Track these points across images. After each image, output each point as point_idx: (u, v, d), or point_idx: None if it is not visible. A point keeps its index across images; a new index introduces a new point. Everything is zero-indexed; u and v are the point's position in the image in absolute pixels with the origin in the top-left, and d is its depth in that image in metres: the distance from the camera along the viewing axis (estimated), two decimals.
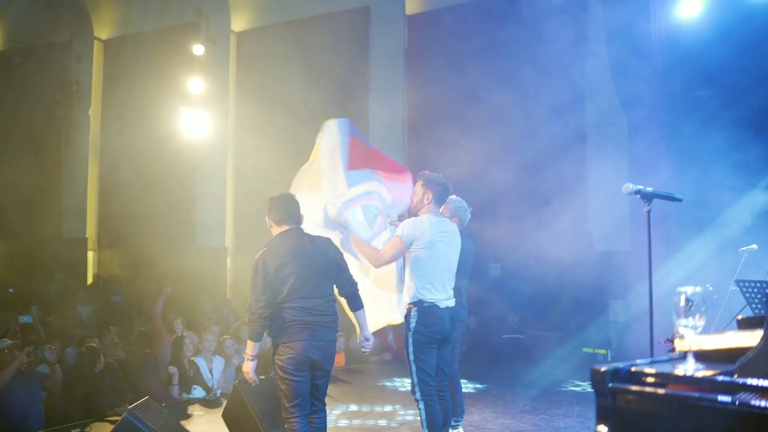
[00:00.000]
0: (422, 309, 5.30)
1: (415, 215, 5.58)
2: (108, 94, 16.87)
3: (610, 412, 2.44)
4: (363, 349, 5.33)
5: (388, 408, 8.25)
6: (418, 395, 5.24)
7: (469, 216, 6.47)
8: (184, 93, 14.41)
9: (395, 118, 14.02)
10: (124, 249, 16.13)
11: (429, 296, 5.32)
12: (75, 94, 16.54)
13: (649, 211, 4.27)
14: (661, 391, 2.33)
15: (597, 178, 11.95)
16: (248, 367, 5.04)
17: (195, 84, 14.41)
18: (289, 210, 5.11)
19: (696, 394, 2.23)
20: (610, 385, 2.43)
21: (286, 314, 4.88)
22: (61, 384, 7.86)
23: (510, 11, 12.33)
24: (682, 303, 2.42)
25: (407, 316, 5.36)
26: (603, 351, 11.43)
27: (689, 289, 2.44)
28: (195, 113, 14.31)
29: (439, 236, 5.38)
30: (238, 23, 16.02)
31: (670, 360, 2.64)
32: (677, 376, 2.34)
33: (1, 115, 17.24)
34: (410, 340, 5.29)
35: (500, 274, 13.23)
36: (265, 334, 5.05)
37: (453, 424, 6.21)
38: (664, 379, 2.37)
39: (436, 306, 5.33)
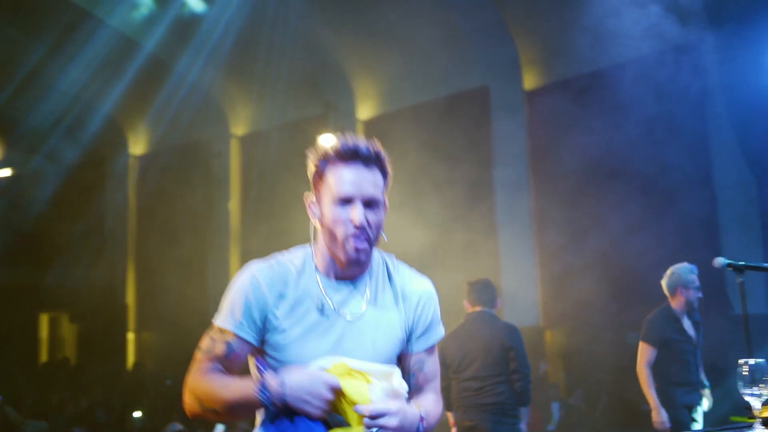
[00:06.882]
0: None
1: None
2: (245, 186, 17.87)
3: None
4: None
5: None
6: None
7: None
8: None
9: (519, 194, 14.14)
10: None
11: None
12: (215, 188, 17.66)
13: (742, 282, 4.24)
14: None
15: (730, 239, 11.62)
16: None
17: None
18: (483, 294, 5.50)
19: None
20: None
21: (453, 391, 5.30)
22: None
23: (627, 79, 12.27)
24: (745, 371, 2.49)
25: None
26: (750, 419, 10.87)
27: (751, 360, 2.51)
28: None
29: None
30: (364, 111, 16.67)
31: (741, 428, 2.69)
32: None
33: (151, 214, 18.51)
34: None
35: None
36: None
37: None
38: None
39: None
